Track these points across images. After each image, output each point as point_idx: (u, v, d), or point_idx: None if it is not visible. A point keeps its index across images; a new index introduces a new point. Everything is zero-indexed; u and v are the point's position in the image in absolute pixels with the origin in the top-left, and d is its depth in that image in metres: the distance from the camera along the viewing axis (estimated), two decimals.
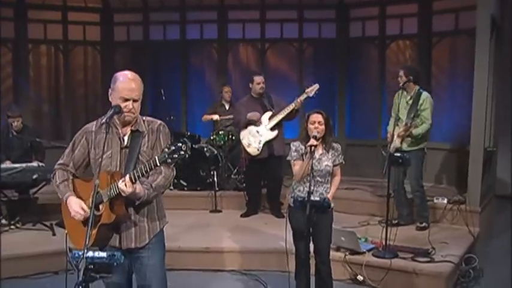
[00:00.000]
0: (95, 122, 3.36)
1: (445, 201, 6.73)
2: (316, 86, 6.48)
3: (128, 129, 3.27)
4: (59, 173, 3.35)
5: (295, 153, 4.54)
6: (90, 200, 3.17)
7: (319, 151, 4.46)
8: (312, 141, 4.34)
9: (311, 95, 6.49)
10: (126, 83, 3.18)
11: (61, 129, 9.03)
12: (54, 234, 6.19)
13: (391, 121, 6.49)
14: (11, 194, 6.52)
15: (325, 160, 4.49)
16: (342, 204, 6.37)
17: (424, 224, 6.35)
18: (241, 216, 7.11)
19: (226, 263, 5.72)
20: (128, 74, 3.23)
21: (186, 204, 7.35)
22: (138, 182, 3.05)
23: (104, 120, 3.13)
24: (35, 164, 6.40)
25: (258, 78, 6.88)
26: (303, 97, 6.52)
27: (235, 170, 8.05)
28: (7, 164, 6.40)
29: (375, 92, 8.73)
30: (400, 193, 6.37)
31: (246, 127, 6.88)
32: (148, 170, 2.97)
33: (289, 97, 6.71)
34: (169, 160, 2.88)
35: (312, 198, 4.24)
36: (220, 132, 7.92)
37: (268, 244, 5.82)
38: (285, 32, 9.03)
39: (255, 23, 9.04)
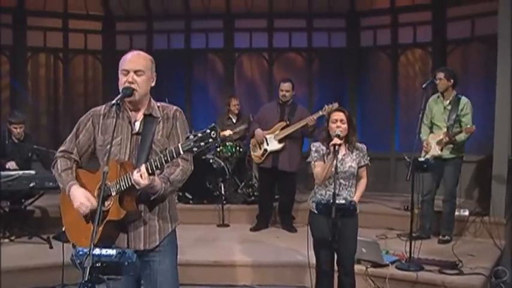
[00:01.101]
0: (103, 106, 3.05)
1: (467, 213, 6.40)
2: (335, 105, 6.20)
3: (140, 114, 2.96)
4: (61, 161, 3.02)
5: (316, 154, 4.24)
6: (96, 192, 2.85)
7: (342, 151, 4.17)
8: (336, 140, 4.06)
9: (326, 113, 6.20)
10: (127, 56, 2.94)
11: (59, 142, 8.67)
12: (51, 247, 5.86)
13: (424, 128, 6.14)
14: (5, 204, 6.18)
15: (348, 161, 4.19)
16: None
17: (447, 237, 6.01)
18: (251, 230, 6.78)
19: (238, 277, 5.36)
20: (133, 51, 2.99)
21: (192, 218, 6.96)
22: (155, 173, 2.74)
23: (113, 102, 2.81)
24: (32, 171, 6.04)
25: (282, 85, 6.59)
26: (316, 115, 6.26)
27: (243, 184, 7.72)
28: (11, 165, 6.12)
29: (387, 103, 8.48)
30: (429, 204, 6.04)
31: (253, 136, 6.74)
32: (168, 159, 2.66)
33: None
34: (195, 148, 2.56)
35: (337, 201, 3.94)
36: (227, 144, 7.61)
37: (283, 257, 5.50)
38: (293, 42, 8.81)
39: (262, 32, 8.82)
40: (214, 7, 8.73)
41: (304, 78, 8.78)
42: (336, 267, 4.25)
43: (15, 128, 6.42)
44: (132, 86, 2.87)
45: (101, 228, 2.83)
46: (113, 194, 2.80)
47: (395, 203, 7.29)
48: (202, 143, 2.55)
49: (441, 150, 5.80)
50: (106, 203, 2.85)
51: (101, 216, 2.82)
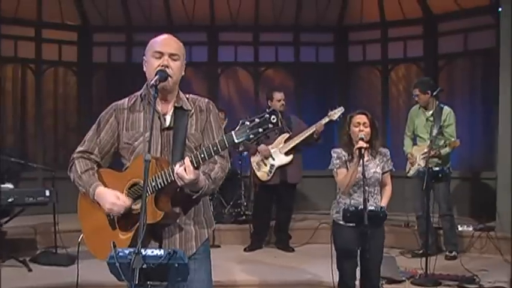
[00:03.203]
0: (126, 99, 2.78)
1: (471, 228, 6.32)
2: (340, 110, 6.12)
3: (170, 107, 2.70)
4: (80, 162, 2.72)
5: (338, 161, 4.07)
6: (126, 192, 2.56)
7: (365, 157, 3.97)
8: (361, 143, 3.89)
9: (334, 118, 6.12)
10: (160, 38, 2.71)
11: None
12: (30, 270, 5.44)
13: (407, 141, 6.11)
14: None
15: (372, 167, 4.03)
16: None
17: (453, 253, 5.91)
18: (245, 250, 6.51)
19: None
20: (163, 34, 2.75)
21: None
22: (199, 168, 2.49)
23: (152, 83, 2.52)
24: (9, 185, 5.60)
25: (279, 95, 6.40)
26: (324, 120, 6.15)
27: (231, 203, 7.43)
28: None
29: (377, 118, 8.33)
30: (426, 219, 5.88)
31: (255, 154, 6.40)
32: (219, 150, 2.40)
33: None
34: (251, 136, 2.32)
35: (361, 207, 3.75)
36: None
37: (291, 276, 5.26)
38: (280, 56, 8.69)
39: (248, 45, 8.67)
40: (198, 19, 8.55)
41: (291, 93, 8.62)
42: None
43: None
44: (167, 70, 2.60)
45: (130, 234, 2.55)
46: (149, 193, 2.50)
47: (391, 220, 7.15)
48: (260, 129, 2.31)
49: (426, 163, 5.61)
50: (136, 204, 2.56)
51: (130, 221, 2.55)
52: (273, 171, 6.27)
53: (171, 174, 2.43)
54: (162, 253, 2.16)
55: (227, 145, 2.36)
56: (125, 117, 2.71)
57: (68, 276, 5.33)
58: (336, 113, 6.13)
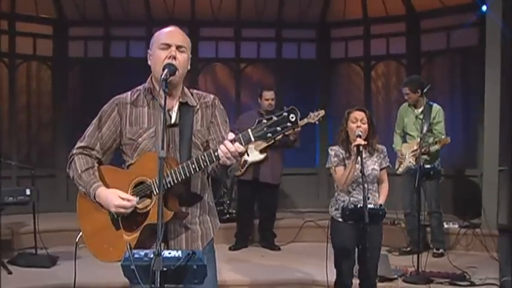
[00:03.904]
0: (128, 93, 2.72)
1: (457, 226, 6.41)
2: (321, 113, 6.13)
3: (174, 102, 2.64)
4: (80, 159, 2.64)
5: (336, 159, 4.08)
6: (131, 191, 2.49)
7: (363, 154, 3.97)
8: (359, 140, 3.90)
9: (313, 121, 6.12)
10: (165, 29, 2.67)
11: None
12: (10, 273, 5.29)
13: (397, 138, 6.16)
14: None
15: (370, 164, 4.05)
16: None
17: (441, 251, 5.99)
18: (231, 249, 6.48)
19: None
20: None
21: None
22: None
23: (162, 77, 2.45)
24: None
25: (268, 94, 6.41)
26: (303, 122, 6.11)
27: (214, 202, 7.35)
28: None
29: None
30: (414, 216, 5.93)
31: None
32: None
33: None
34: (269, 134, 2.29)
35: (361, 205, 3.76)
36: None
37: (282, 275, 5.25)
38: (262, 52, 8.64)
39: (229, 41, 8.59)
40: (178, 14, 8.42)
41: (274, 89, 8.57)
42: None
43: None
44: (174, 62, 2.54)
45: (136, 235, 2.49)
46: (156, 192, 2.44)
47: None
48: (278, 128, 2.28)
49: (415, 160, 5.71)
50: (141, 204, 2.50)
51: (136, 220, 2.49)
52: (245, 166, 6.29)
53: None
54: (181, 254, 2.10)
55: (243, 143, 2.31)
56: (127, 112, 2.65)
57: (51, 278, 5.23)
58: (316, 116, 6.13)
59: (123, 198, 2.47)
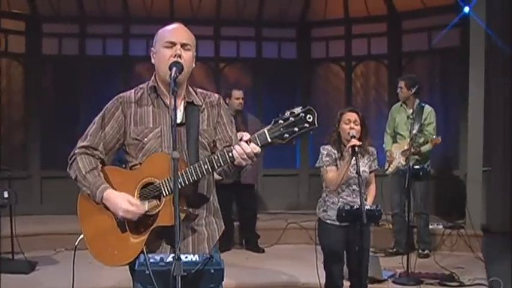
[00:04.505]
0: (132, 91, 2.66)
1: (441, 226, 6.51)
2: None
3: (179, 102, 2.60)
4: (84, 159, 2.58)
5: (328, 159, 4.08)
6: (138, 194, 2.44)
7: (358, 155, 3.99)
8: (354, 141, 3.91)
9: None
10: (169, 27, 2.63)
11: None
12: None
13: (387, 139, 6.22)
14: None
15: (361, 166, 4.05)
16: None
17: (426, 252, 6.06)
18: None
19: None
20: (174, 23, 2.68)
21: None
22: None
23: (173, 75, 2.41)
24: None
25: (237, 93, 6.38)
26: None
27: None
28: None
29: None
30: (402, 217, 6.01)
31: None
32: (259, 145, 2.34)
33: None
34: (286, 135, 2.28)
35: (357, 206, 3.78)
36: None
37: (268, 278, 5.22)
38: (241, 51, 8.62)
39: (208, 40, 8.54)
40: (157, 12, 8.34)
41: (253, 90, 8.59)
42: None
43: None
44: (180, 61, 2.51)
45: (144, 238, 2.45)
46: (166, 193, 2.41)
47: None
48: (295, 129, 2.28)
49: (405, 160, 5.77)
50: (148, 205, 2.46)
51: (145, 223, 2.45)
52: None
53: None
54: (198, 258, 2.07)
55: (259, 144, 2.30)
56: (132, 111, 2.60)
57: (30, 284, 5.11)
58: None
59: (132, 204, 2.42)
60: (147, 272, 2.02)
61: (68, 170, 2.62)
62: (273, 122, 2.31)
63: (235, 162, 2.33)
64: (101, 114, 2.64)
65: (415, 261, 5.18)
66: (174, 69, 2.45)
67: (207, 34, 8.56)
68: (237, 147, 2.29)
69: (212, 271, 2.07)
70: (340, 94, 8.60)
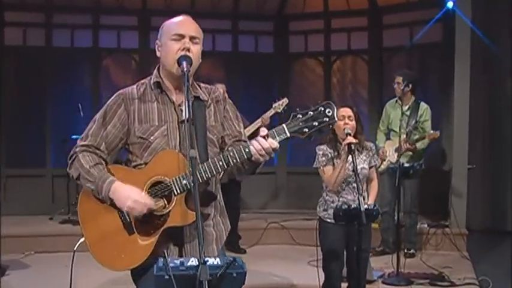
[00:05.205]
0: (134, 87, 2.59)
1: (426, 225, 6.59)
2: (284, 101, 6.20)
3: (185, 97, 2.53)
4: (86, 156, 2.50)
5: (324, 158, 4.09)
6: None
7: (355, 152, 3.99)
8: (350, 139, 3.91)
9: (280, 110, 6.13)
10: (177, 20, 2.60)
11: None
12: None
13: (380, 135, 6.26)
14: None
15: (359, 163, 4.08)
16: (306, 236, 6.00)
17: (412, 251, 6.14)
18: None
19: None
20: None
21: None
22: None
23: (184, 69, 2.36)
24: None
25: (220, 86, 6.26)
26: (270, 113, 6.15)
27: None
28: None
29: None
30: (391, 216, 6.05)
31: None
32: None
33: None
34: (305, 129, 2.29)
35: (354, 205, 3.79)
36: None
37: (257, 280, 5.19)
38: (217, 44, 8.53)
39: None
40: (129, 2, 8.21)
41: (228, 85, 8.47)
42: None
43: None
44: (189, 54, 2.46)
45: (153, 240, 2.39)
46: (177, 192, 2.35)
47: None
48: (315, 123, 2.29)
49: (399, 157, 5.80)
50: (156, 204, 2.39)
51: (154, 223, 2.39)
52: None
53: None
54: (219, 261, 2.02)
55: (277, 139, 2.29)
56: (136, 107, 2.54)
57: None
58: (280, 105, 6.20)
59: (142, 196, 2.36)
60: (166, 277, 1.96)
61: (68, 170, 2.54)
62: (291, 117, 2.31)
63: (253, 159, 2.30)
64: (101, 111, 2.56)
65: (405, 261, 5.23)
66: (184, 63, 2.40)
67: None
68: (254, 142, 2.27)
69: (234, 275, 2.03)
70: (319, 90, 8.60)
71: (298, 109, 2.34)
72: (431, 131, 5.86)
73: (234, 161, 2.32)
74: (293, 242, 6.77)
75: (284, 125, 2.29)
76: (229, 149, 2.38)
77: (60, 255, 6.19)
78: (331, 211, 3.97)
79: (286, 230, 6.94)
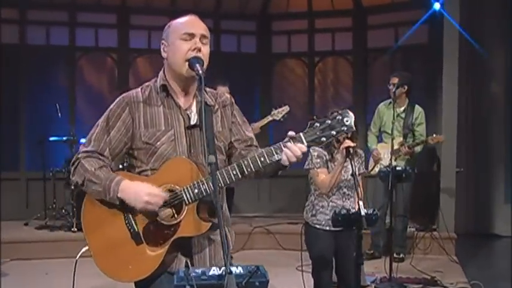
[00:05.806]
0: (138, 90, 2.55)
1: (414, 229, 6.67)
2: (285, 109, 6.15)
3: (192, 101, 2.52)
4: (90, 160, 2.45)
5: (318, 160, 4.09)
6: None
7: (353, 156, 4.01)
8: (349, 142, 3.92)
9: (278, 118, 6.10)
10: (185, 19, 2.56)
11: None
12: None
13: (372, 138, 6.29)
14: None
15: (350, 168, 4.06)
16: (292, 240, 5.91)
17: (401, 255, 6.20)
18: None
19: None
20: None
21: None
22: None
23: (200, 73, 2.36)
24: None
25: (223, 89, 6.22)
26: (266, 120, 6.10)
27: None
28: None
29: (303, 113, 8.52)
30: (382, 220, 6.09)
31: None
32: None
33: None
34: (323, 139, 2.29)
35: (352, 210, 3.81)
36: None
37: None
38: None
39: (162, 30, 8.34)
40: None
41: (210, 85, 8.47)
42: None
43: None
44: (200, 55, 2.44)
45: (163, 250, 2.37)
46: (188, 201, 2.33)
47: None
48: (333, 132, 2.29)
49: (395, 160, 5.86)
50: (163, 213, 2.37)
51: (163, 234, 2.37)
52: None
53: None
54: (242, 270, 2.01)
55: (305, 142, 2.30)
56: (141, 112, 2.49)
57: None
58: (280, 112, 6.15)
59: (154, 189, 2.34)
60: (188, 287, 1.94)
61: (71, 177, 2.49)
62: (308, 125, 2.30)
63: (281, 162, 2.31)
64: (104, 116, 2.51)
65: (397, 266, 5.28)
66: (197, 65, 2.38)
67: (162, 24, 8.30)
68: (287, 151, 2.27)
69: (257, 284, 2.02)
70: (302, 91, 8.65)
71: (315, 117, 2.34)
72: (434, 135, 5.92)
73: (249, 170, 2.31)
74: (279, 247, 6.78)
75: (302, 134, 2.28)
76: (248, 157, 2.37)
77: (39, 263, 6.12)
78: (320, 216, 4.00)
79: (272, 234, 6.95)
